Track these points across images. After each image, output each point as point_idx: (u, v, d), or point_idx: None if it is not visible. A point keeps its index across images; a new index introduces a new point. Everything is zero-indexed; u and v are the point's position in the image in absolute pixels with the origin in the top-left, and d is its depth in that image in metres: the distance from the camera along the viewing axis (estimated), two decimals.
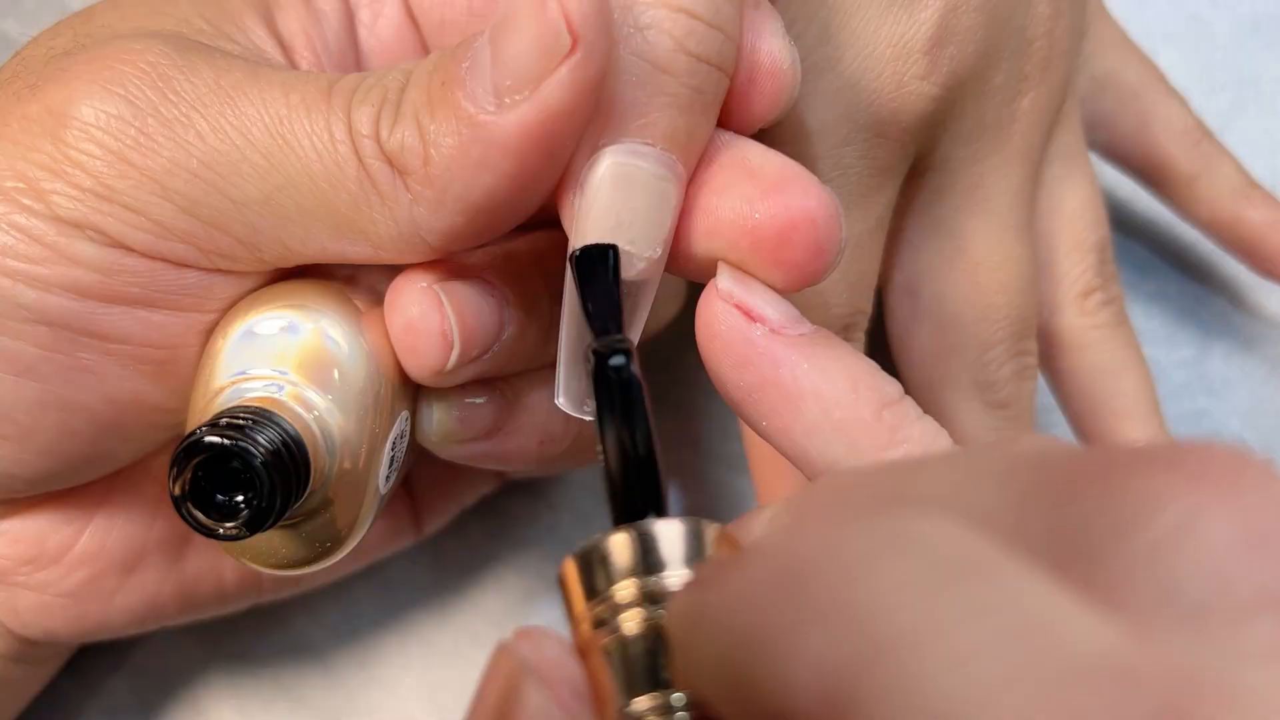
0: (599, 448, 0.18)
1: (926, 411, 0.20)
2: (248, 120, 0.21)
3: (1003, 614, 0.11)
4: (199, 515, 0.21)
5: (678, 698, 0.15)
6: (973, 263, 0.29)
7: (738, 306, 0.21)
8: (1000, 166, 0.29)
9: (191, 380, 0.23)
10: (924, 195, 0.29)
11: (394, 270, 0.23)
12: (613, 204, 0.20)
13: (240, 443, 0.20)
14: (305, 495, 0.22)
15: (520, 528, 0.33)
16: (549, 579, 0.33)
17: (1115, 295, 0.32)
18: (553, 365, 0.23)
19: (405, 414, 0.24)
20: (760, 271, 0.21)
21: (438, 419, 0.24)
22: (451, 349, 0.22)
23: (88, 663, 0.31)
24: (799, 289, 0.21)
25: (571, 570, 0.16)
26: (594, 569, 0.16)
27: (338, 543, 0.23)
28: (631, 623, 0.15)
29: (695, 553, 0.16)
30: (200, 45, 0.23)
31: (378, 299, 0.24)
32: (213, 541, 0.23)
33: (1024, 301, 0.29)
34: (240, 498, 0.21)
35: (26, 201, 0.21)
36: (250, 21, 0.24)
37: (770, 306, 0.21)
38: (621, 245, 0.20)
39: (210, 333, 0.23)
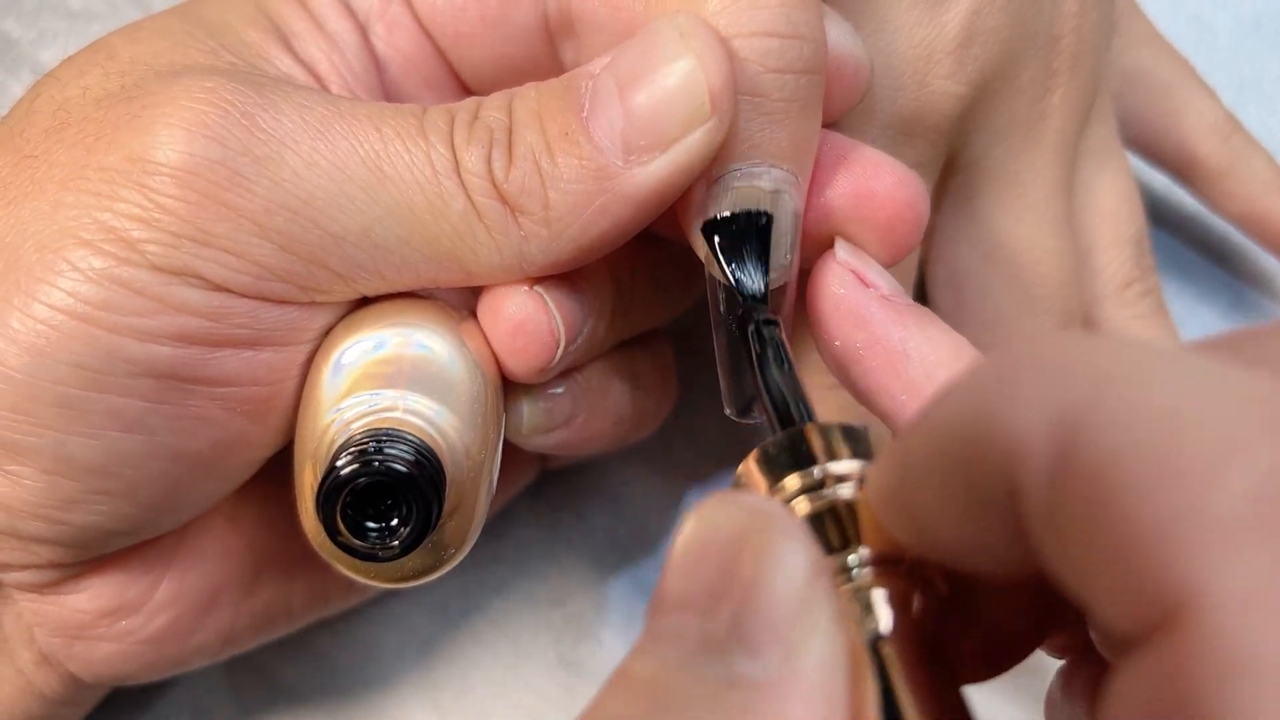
0: (761, 387, 0.21)
1: None
2: (342, 154, 0.21)
3: (1192, 358, 0.13)
4: (359, 545, 0.21)
5: (864, 553, 0.16)
6: (1013, 257, 0.29)
7: (854, 273, 0.22)
8: (1035, 162, 0.29)
9: (289, 414, 0.23)
10: (961, 192, 0.29)
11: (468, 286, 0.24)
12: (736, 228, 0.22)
13: (386, 462, 0.20)
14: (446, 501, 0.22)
15: (521, 527, 0.33)
16: (548, 578, 0.33)
17: (1153, 286, 0.32)
18: (615, 348, 0.26)
19: (504, 414, 0.25)
20: (868, 249, 0.23)
21: (528, 413, 0.25)
22: (558, 346, 0.23)
23: None
24: (894, 265, 0.23)
25: (753, 463, 0.18)
26: (776, 461, 0.18)
27: (458, 548, 0.23)
28: (821, 499, 0.17)
29: (865, 445, 0.18)
30: (270, 80, 0.22)
31: (458, 308, 0.24)
32: (333, 564, 0.23)
33: (1067, 294, 0.30)
34: (395, 519, 0.21)
35: (119, 253, 0.21)
36: (274, 51, 0.24)
37: (882, 278, 0.23)
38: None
39: (308, 363, 0.23)
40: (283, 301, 0.22)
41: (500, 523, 0.33)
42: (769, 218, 0.22)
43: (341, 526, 0.21)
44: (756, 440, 0.34)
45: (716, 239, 0.22)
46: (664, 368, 0.30)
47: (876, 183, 0.23)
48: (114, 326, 0.21)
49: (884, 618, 0.16)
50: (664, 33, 0.21)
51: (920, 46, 0.27)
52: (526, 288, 0.23)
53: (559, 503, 0.34)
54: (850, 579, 0.16)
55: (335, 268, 0.22)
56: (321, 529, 0.21)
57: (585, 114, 0.21)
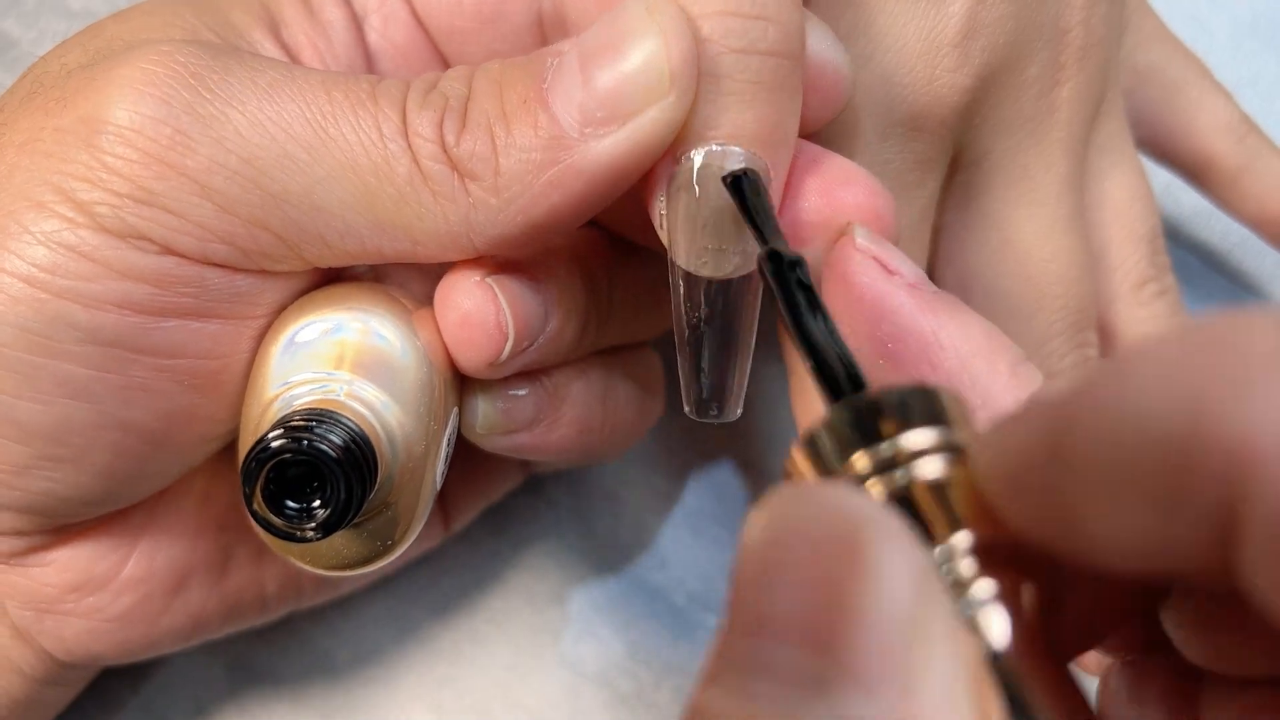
0: (794, 339, 0.18)
1: None
2: (288, 115, 0.21)
3: None
4: (277, 521, 0.21)
5: (962, 540, 0.14)
6: (1023, 255, 0.29)
7: (876, 259, 0.21)
8: (1044, 157, 0.29)
9: (241, 390, 0.23)
10: (969, 189, 0.29)
11: (433, 273, 0.24)
12: (691, 209, 0.21)
13: (314, 443, 0.20)
14: (374, 492, 0.22)
15: (520, 525, 0.33)
16: (548, 577, 0.33)
17: (1169, 285, 0.32)
18: (589, 356, 0.25)
19: (456, 410, 0.24)
20: None
21: (483, 411, 0.25)
22: (506, 341, 0.23)
23: None
24: None
25: (810, 441, 0.15)
26: (837, 437, 0.15)
27: (398, 540, 0.23)
28: (894, 481, 0.15)
29: (939, 411, 0.15)
30: (230, 47, 0.22)
31: (422, 300, 0.24)
32: (270, 546, 0.23)
33: (1080, 292, 0.29)
34: (317, 501, 0.21)
35: (68, 214, 0.21)
36: (258, 34, 0.24)
37: (905, 265, 0.21)
38: (710, 245, 0.21)
39: (259, 339, 0.23)
40: (228, 267, 0.22)
41: (500, 521, 0.33)
42: (753, 173, 0.21)
43: (260, 500, 0.21)
44: (758, 440, 0.34)
45: (738, 188, 0.21)
46: (646, 382, 0.29)
47: (846, 192, 0.22)
48: (60, 291, 0.21)
49: (1001, 621, 0.14)
50: (632, 8, 0.21)
51: (924, 40, 0.27)
52: (478, 277, 0.23)
53: (559, 502, 0.34)
54: (946, 573, 0.14)
55: (277, 230, 0.22)
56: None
57: (546, 85, 0.21)
